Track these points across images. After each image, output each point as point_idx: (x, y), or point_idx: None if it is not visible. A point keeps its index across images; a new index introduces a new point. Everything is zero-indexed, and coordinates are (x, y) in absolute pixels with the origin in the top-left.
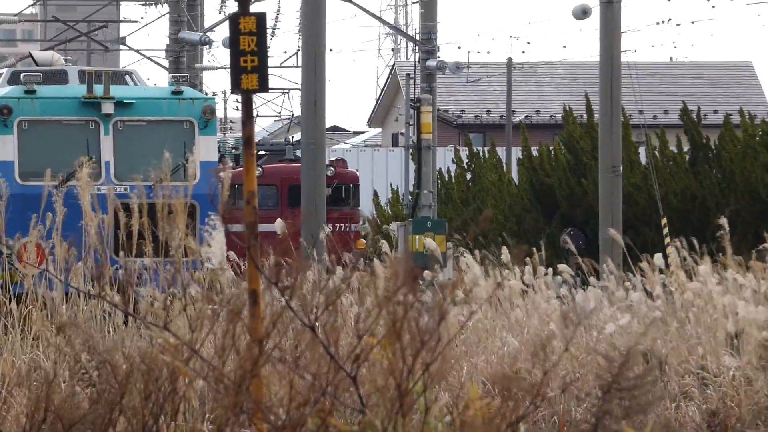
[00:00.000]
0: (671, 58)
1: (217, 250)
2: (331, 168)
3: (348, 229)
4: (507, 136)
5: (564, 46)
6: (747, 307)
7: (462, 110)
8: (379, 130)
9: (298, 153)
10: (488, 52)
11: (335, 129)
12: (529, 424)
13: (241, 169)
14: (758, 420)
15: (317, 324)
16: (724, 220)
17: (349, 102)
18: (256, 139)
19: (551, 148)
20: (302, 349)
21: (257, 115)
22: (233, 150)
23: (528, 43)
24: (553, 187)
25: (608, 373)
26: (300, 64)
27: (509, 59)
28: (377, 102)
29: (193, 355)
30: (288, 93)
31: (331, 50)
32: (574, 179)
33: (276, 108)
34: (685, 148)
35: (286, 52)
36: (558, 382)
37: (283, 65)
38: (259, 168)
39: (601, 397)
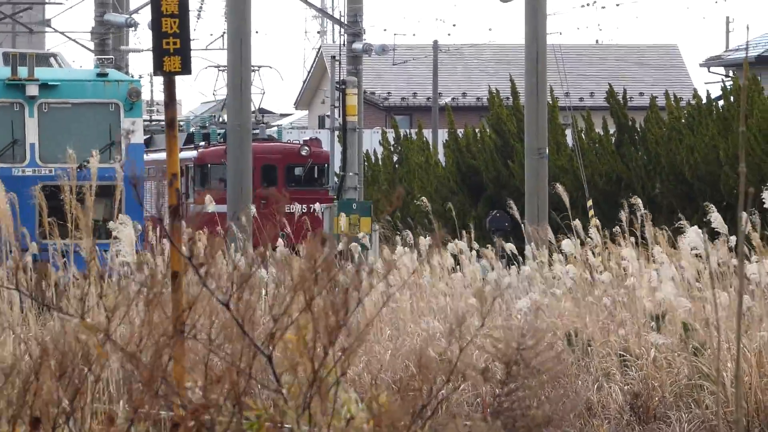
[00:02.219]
0: (597, 41)
1: (127, 245)
2: (306, 147)
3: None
4: (433, 118)
5: (490, 29)
6: (666, 288)
7: (388, 92)
8: (306, 112)
9: (269, 132)
10: (414, 35)
11: (262, 111)
12: (452, 405)
13: (212, 148)
14: (680, 401)
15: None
16: (638, 200)
17: (276, 84)
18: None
19: (477, 130)
20: (218, 329)
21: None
22: (201, 129)
23: (454, 25)
24: (479, 169)
25: (514, 350)
26: (226, 46)
27: (435, 42)
28: (304, 84)
29: (108, 337)
30: (258, 70)
31: (257, 32)
32: (500, 161)
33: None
34: (611, 131)
35: (212, 34)
36: (481, 364)
37: (209, 48)
38: None
39: (504, 377)
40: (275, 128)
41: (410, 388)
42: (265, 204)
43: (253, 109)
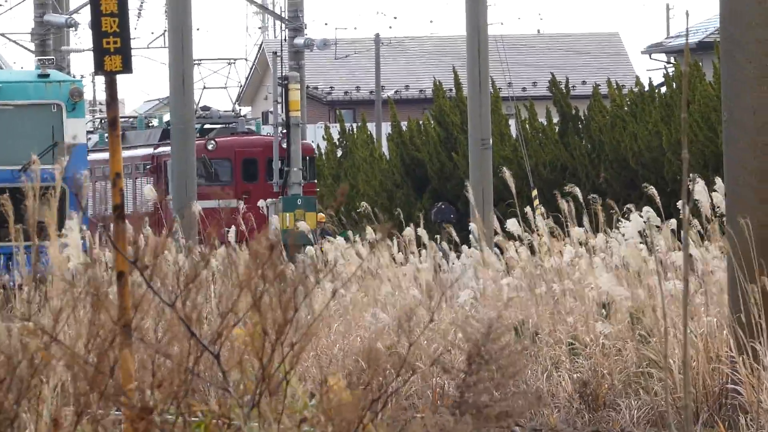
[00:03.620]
0: (538, 31)
1: (73, 248)
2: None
3: None
4: (377, 111)
5: (431, 21)
6: (610, 281)
7: (331, 87)
8: (249, 108)
9: (250, 126)
10: (355, 28)
11: (205, 108)
12: (401, 397)
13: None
14: (629, 389)
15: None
16: (577, 190)
17: (217, 81)
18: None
19: (421, 122)
20: (164, 329)
21: (204, 87)
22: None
23: (395, 18)
24: (423, 162)
25: (473, 344)
26: (167, 44)
27: (377, 35)
28: (246, 80)
29: (53, 340)
30: (234, 63)
31: (198, 29)
32: (444, 153)
33: (222, 79)
34: (555, 120)
35: (153, 33)
36: (431, 355)
37: (150, 46)
38: (213, 141)
39: (466, 369)
40: (253, 123)
41: (361, 382)
42: (247, 198)
43: (231, 103)
